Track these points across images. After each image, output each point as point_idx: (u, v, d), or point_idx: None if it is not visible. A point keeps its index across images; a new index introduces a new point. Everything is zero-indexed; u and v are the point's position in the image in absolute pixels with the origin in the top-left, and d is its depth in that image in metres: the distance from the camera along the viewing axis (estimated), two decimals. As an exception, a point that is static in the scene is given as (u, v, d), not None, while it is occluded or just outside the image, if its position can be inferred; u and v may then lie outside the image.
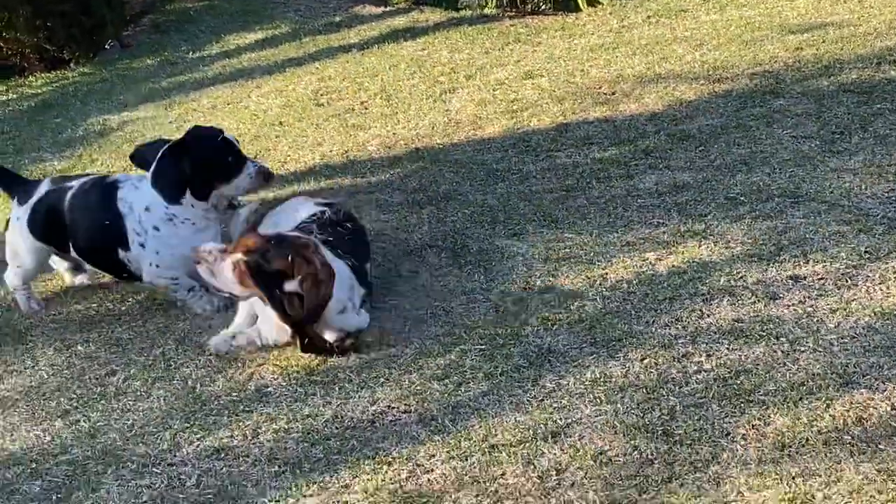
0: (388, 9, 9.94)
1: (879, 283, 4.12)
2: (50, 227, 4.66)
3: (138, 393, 4.08)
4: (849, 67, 6.45)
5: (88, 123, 7.67)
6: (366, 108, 7.02)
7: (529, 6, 9.30)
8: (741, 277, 4.30)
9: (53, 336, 4.64)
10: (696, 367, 3.75)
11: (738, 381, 3.62)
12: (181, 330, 4.52)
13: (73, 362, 4.40)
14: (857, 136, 5.50)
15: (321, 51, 8.81)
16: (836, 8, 7.77)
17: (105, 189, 4.58)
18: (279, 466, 3.52)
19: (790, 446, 3.25)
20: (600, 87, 6.80)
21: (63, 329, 4.71)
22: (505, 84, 7.16)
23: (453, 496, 3.25)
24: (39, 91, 8.86)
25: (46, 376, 4.30)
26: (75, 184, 4.69)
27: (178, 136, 4.66)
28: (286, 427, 3.73)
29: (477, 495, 3.24)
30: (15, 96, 8.83)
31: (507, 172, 5.72)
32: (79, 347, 4.52)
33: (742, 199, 4.99)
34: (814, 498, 3.02)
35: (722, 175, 5.28)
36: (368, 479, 3.38)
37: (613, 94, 6.65)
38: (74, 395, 4.13)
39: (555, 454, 3.38)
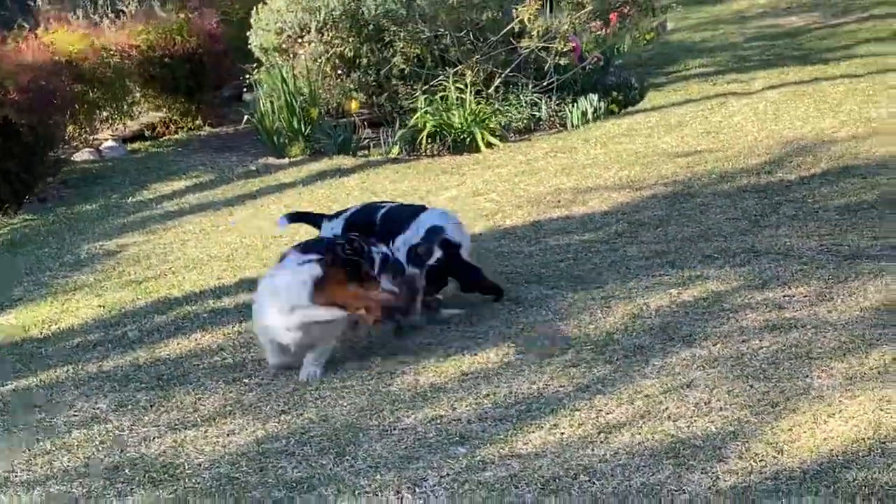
0: (289, 160, 11.23)
1: (849, 296, 5.78)
2: None
3: (345, 391, 5.19)
4: (738, 176, 8.31)
5: (86, 249, 8.48)
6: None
7: (427, 150, 10.89)
8: (750, 297, 5.88)
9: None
10: (756, 346, 5.24)
11: (794, 349, 5.13)
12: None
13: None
14: (773, 216, 7.27)
15: (267, 187, 9.98)
16: (698, 141, 9.73)
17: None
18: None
19: (856, 377, 4.78)
20: (546, 198, 8.38)
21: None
22: (460, 199, 8.63)
23: (638, 424, 4.58)
24: (-10, 235, 9.46)
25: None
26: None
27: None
28: (498, 396, 4.96)
29: (654, 422, 4.58)
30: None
31: (513, 253, 7.15)
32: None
33: (716, 256, 6.62)
34: (891, 401, 4.53)
35: (688, 244, 6.90)
36: (554, 425, 4.66)
37: (559, 202, 8.24)
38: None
39: (696, 395, 4.77)
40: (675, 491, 3.98)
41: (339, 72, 12.53)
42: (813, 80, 11.88)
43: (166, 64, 13.40)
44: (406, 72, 11.87)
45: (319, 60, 12.47)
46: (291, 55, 12.71)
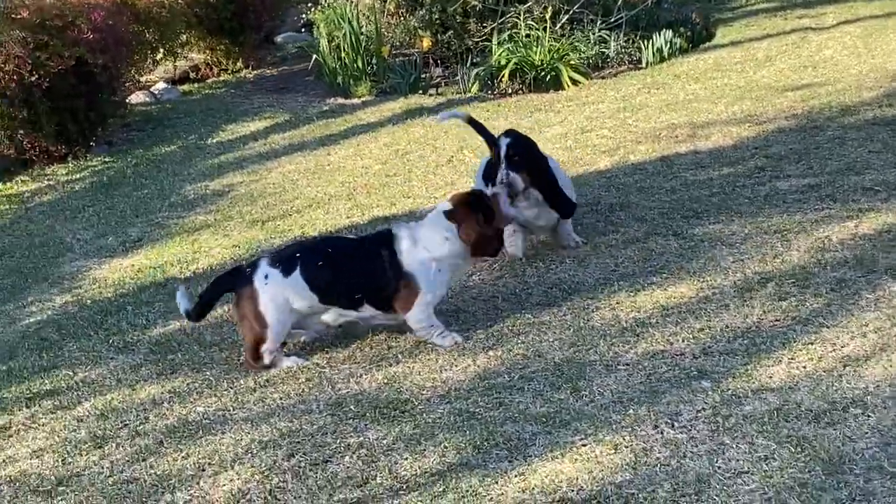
0: (360, 100, 10.96)
1: None
2: None
3: (544, 327, 5.00)
4: (860, 109, 8.09)
5: (190, 189, 8.28)
6: (462, 160, 8.07)
7: (510, 89, 10.64)
8: (936, 229, 5.68)
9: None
10: (967, 277, 5.06)
11: None
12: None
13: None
14: (917, 149, 7.07)
15: (354, 127, 9.73)
16: (799, 75, 9.52)
17: None
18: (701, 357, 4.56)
19: None
20: (662, 133, 8.15)
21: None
22: (569, 136, 8.39)
23: (884, 357, 4.39)
24: (78, 177, 9.19)
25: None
26: None
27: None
28: (714, 330, 4.77)
29: (886, 352, 4.40)
30: (51, 182, 9.16)
31: (654, 188, 6.93)
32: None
33: (877, 188, 6.41)
34: None
35: (840, 177, 6.69)
36: (791, 358, 4.47)
37: (677, 136, 8.01)
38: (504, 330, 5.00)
39: (930, 326, 4.59)
40: (961, 422, 3.79)
41: (403, 10, 12.22)
42: (886, 14, 11.67)
43: (210, 4, 13.10)
44: (478, 9, 11.57)
45: (383, -2, 12.19)
46: (353, -7, 12.43)
